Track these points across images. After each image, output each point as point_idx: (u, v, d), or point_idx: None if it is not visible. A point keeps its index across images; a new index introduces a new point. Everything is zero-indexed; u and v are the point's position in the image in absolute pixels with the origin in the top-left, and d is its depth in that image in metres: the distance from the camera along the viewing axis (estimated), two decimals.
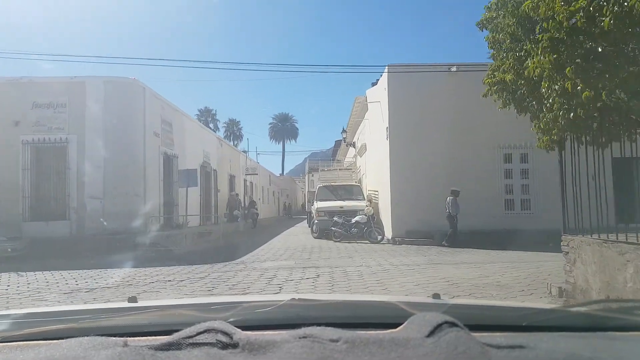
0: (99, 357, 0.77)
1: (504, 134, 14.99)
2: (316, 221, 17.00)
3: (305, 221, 27.36)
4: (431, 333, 0.84)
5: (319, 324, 0.89)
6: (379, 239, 14.87)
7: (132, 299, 1.37)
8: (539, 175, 15.05)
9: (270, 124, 71.10)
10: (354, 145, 25.79)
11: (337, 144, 37.88)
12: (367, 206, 15.90)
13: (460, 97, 15.05)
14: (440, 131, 14.89)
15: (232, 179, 26.17)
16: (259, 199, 33.85)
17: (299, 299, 1.19)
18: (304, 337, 0.82)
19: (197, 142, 20.11)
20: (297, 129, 71.25)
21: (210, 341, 0.83)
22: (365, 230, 15.01)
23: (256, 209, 26.35)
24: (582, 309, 1.18)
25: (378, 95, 16.77)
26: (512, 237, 13.63)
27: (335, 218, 15.67)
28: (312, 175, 23.06)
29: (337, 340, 0.81)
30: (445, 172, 14.79)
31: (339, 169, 21.54)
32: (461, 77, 14.92)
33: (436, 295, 1.43)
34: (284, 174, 66.59)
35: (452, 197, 13.61)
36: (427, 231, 14.24)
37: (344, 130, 25.81)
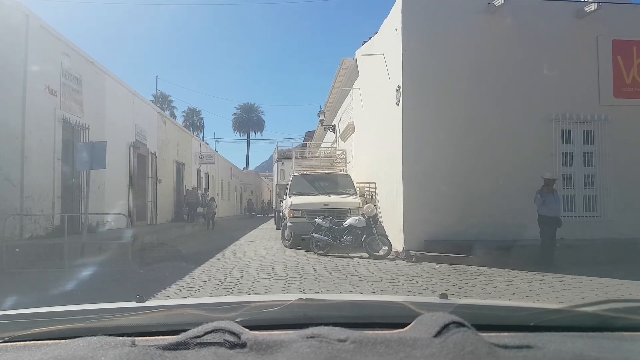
0: (106, 357, 0.76)
1: (562, 100, 10.40)
2: (289, 224, 11.97)
3: (273, 221, 22.20)
4: (438, 333, 0.84)
5: (326, 324, 0.89)
6: (383, 252, 9.99)
7: (140, 299, 1.33)
8: (609, 162, 10.54)
9: (234, 114, 65.21)
10: (333, 129, 20.81)
11: (308, 135, 32.94)
12: (366, 203, 10.92)
13: (505, 44, 10.36)
14: (476, 94, 10.14)
15: (180, 167, 20.77)
16: (217, 194, 28.49)
17: (307, 299, 1.15)
18: (311, 337, 0.82)
19: (125, 114, 14.70)
20: (264, 121, 65.76)
21: (218, 341, 0.83)
22: (365, 238, 10.09)
23: (214, 207, 21.09)
24: (590, 309, 1.14)
25: (381, 47, 11.87)
26: (575, 251, 9.08)
27: (317, 220, 10.67)
28: (283, 164, 17.93)
29: (344, 340, 0.81)
30: (484, 153, 10.05)
31: (320, 156, 16.52)
32: (508, 15, 10.24)
33: (443, 295, 1.40)
34: (249, 169, 60.96)
35: (541, 190, 8.86)
36: (457, 241, 9.46)
37: (321, 111, 20.82)
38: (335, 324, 0.89)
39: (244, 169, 52.79)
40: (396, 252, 10.10)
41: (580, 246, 9.43)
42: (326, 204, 11.83)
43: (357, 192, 13.02)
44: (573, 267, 8.22)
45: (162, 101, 58.24)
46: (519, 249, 9.04)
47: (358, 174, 14.82)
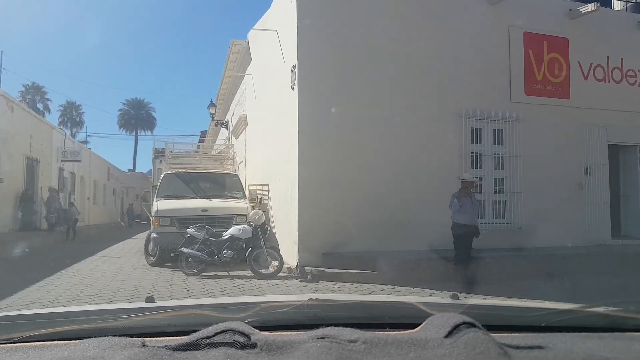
0: (116, 358, 0.76)
1: (473, 95, 9.34)
2: (154, 235, 9.47)
3: None
4: (449, 333, 0.83)
5: (336, 325, 0.88)
6: (272, 269, 8.07)
7: (150, 299, 1.31)
8: (520, 165, 9.67)
9: (120, 110, 59.23)
10: (226, 125, 18.52)
11: (204, 134, 30.08)
12: (252, 208, 8.85)
13: (415, 31, 9.03)
14: (382, 83, 8.65)
15: (33, 164, 17.08)
16: (88, 198, 24.62)
17: (317, 299, 1.16)
18: (322, 338, 0.81)
19: None
20: (155, 118, 60.64)
21: (228, 341, 0.82)
22: (250, 253, 8.05)
23: (76, 213, 17.64)
24: (600, 309, 1.13)
25: (274, 23, 9.98)
26: (487, 264, 7.99)
27: (189, 230, 8.41)
28: (161, 162, 15.29)
29: (355, 341, 0.80)
30: (391, 151, 8.58)
31: (203, 156, 14.17)
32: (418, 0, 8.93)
33: (454, 296, 1.40)
34: (138, 171, 55.58)
35: (458, 194, 7.50)
36: (361, 254, 7.84)
37: (212, 104, 18.44)
38: (345, 325, 0.88)
39: (129, 170, 47.88)
40: (289, 268, 8.22)
41: (492, 258, 8.34)
42: (204, 210, 9.58)
43: (248, 195, 10.94)
44: (486, 283, 7.04)
45: (34, 92, 51.16)
46: (432, 262, 7.67)
47: (251, 175, 12.75)
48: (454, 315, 0.90)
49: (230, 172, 12.57)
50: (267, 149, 10.85)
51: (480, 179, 9.57)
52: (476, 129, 9.56)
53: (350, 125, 8.29)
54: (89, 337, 0.87)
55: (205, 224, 8.76)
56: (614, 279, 7.42)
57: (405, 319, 1.07)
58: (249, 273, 7.99)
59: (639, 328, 1.05)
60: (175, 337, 0.92)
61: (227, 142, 16.95)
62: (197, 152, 14.55)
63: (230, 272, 8.20)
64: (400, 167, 8.60)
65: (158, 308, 1.22)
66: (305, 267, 7.80)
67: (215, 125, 19.72)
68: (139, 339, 0.85)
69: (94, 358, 0.77)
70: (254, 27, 11.29)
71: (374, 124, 8.47)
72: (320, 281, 7.51)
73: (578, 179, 9.97)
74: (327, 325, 0.87)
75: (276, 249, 8.27)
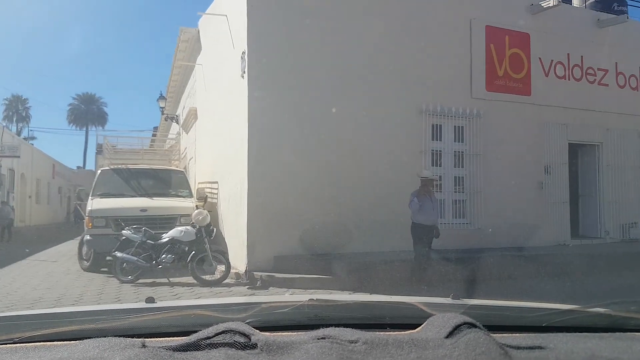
0: (117, 358, 0.76)
1: (434, 89, 8.93)
2: (87, 237, 8.54)
3: None
4: (450, 334, 0.83)
5: (337, 325, 0.88)
6: (218, 274, 7.36)
7: (150, 300, 1.31)
8: (480, 163, 9.34)
9: (70, 105, 56.32)
10: (177, 119, 17.53)
11: (157, 130, 28.73)
12: (197, 207, 8.05)
13: (375, 19, 8.51)
14: (340, 73, 8.09)
15: None
16: (30, 196, 22.98)
17: (317, 300, 1.15)
18: (322, 338, 0.81)
19: None
20: (107, 113, 57.99)
21: (229, 342, 0.82)
22: (192, 257, 7.30)
23: (10, 212, 16.23)
24: (602, 309, 1.14)
25: (225, 7, 9.22)
26: (447, 265, 7.59)
27: (125, 232, 7.57)
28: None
29: (355, 341, 0.80)
30: (348, 147, 8.03)
31: (148, 151, 13.21)
32: None
33: (455, 296, 1.39)
34: (86, 168, 52.99)
35: (418, 192, 7.04)
36: (316, 257, 7.25)
37: (161, 97, 17.40)
38: (346, 325, 0.88)
39: (79, 167, 45.55)
40: (237, 273, 7.54)
41: (451, 259, 7.94)
42: (144, 210, 8.72)
43: (196, 194, 10.13)
44: (445, 285, 6.62)
45: None
46: (392, 265, 7.17)
47: (201, 173, 11.92)
48: (455, 315, 0.90)
49: (176, 168, 11.68)
50: (217, 144, 10.08)
51: (441, 177, 9.20)
52: (437, 125, 9.16)
53: (306, 119, 7.68)
54: (89, 338, 0.87)
55: (145, 225, 7.94)
56: (573, 281, 7.18)
57: (405, 319, 1.08)
58: (192, 280, 7.24)
59: None
60: (175, 338, 0.92)
61: (178, 138, 15.99)
62: (140, 149, 13.45)
63: (170, 279, 7.42)
64: (359, 164, 8.08)
65: (158, 308, 1.22)
66: (255, 273, 7.15)
67: (165, 120, 18.64)
68: (139, 339, 0.85)
69: (94, 358, 0.77)
70: (204, 12, 10.49)
71: (331, 118, 7.90)
72: (271, 287, 6.88)
73: (538, 177, 9.75)
74: (328, 326, 0.87)
75: (223, 252, 7.56)
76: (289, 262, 7.24)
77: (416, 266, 7.07)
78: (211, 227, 7.56)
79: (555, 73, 10.01)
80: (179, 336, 0.92)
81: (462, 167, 9.43)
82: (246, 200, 7.36)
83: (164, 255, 7.41)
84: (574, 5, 11.17)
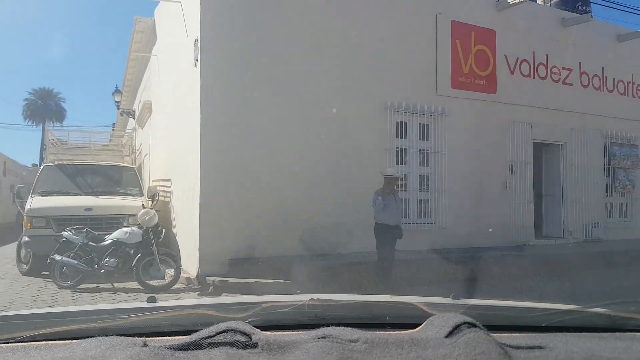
0: (118, 357, 0.76)
1: (399, 85, 8.63)
2: (26, 239, 7.77)
3: None
4: (450, 333, 0.83)
5: (337, 324, 0.89)
6: (168, 279, 6.80)
7: (151, 299, 1.31)
8: (445, 162, 9.09)
9: (25, 100, 53.61)
10: (133, 114, 16.69)
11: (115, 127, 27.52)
12: (144, 207, 7.42)
13: (340, 11, 8.13)
14: (301, 65, 7.66)
15: None
16: None
17: (318, 299, 1.15)
18: (322, 338, 0.82)
19: None
20: (65, 110, 55.57)
21: (230, 341, 0.82)
22: (138, 260, 6.70)
23: None
24: (601, 309, 1.13)
25: None
26: (412, 266, 7.31)
27: (66, 233, 6.89)
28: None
29: (356, 341, 0.80)
30: (310, 143, 7.61)
31: (99, 147, 12.40)
32: None
33: (455, 296, 1.38)
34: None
35: (382, 191, 6.65)
36: (274, 260, 6.79)
37: (117, 91, 16.53)
38: (346, 325, 0.89)
39: (34, 165, 43.41)
40: (188, 278, 7.01)
41: (415, 260, 7.66)
42: (88, 209, 8.04)
43: (147, 192, 9.47)
44: (411, 287, 6.30)
45: None
46: (355, 267, 6.81)
47: (155, 170, 11.25)
48: (455, 315, 0.90)
49: (126, 165, 10.97)
50: (170, 139, 9.48)
51: (405, 176, 8.91)
52: (402, 122, 8.86)
53: (264, 112, 7.21)
54: (91, 337, 0.87)
55: (90, 226, 7.31)
56: (538, 282, 7.00)
57: (406, 319, 1.08)
58: (134, 287, 6.66)
59: None
60: (176, 337, 0.92)
61: (135, 134, 15.19)
62: (88, 145, 12.61)
63: (114, 284, 6.82)
64: (323, 162, 7.68)
65: (159, 308, 1.22)
66: (207, 277, 6.63)
67: (121, 115, 17.73)
68: (141, 338, 0.85)
69: (96, 358, 0.78)
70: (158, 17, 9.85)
71: (291, 112, 7.47)
72: (224, 294, 6.38)
73: (503, 177, 9.61)
74: (328, 325, 0.88)
75: (172, 255, 7.00)
76: (245, 266, 6.75)
77: (380, 268, 6.73)
78: (159, 228, 6.99)
79: (520, 71, 9.89)
80: (180, 335, 0.92)
81: (427, 165, 9.18)
82: (198, 198, 6.83)
83: (107, 259, 6.79)
84: (539, 3, 11.10)
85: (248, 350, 0.80)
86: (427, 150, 9.12)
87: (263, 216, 6.97)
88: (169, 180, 9.30)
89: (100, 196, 8.59)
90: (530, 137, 9.87)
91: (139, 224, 6.99)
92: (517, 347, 0.82)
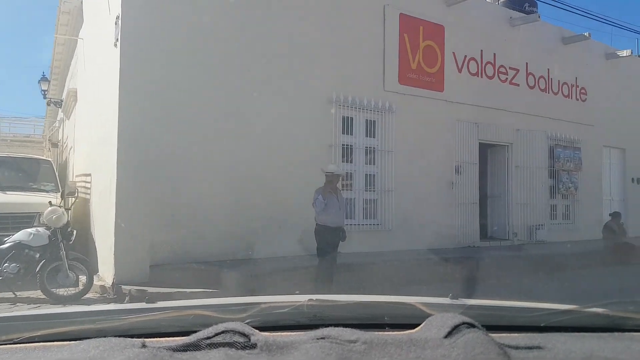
0: (117, 358, 0.77)
1: (345, 78, 8.16)
2: None
3: None
4: (449, 334, 0.83)
5: (336, 325, 0.89)
6: (81, 287, 5.96)
7: (150, 300, 1.30)
8: (392, 160, 8.71)
9: None
10: (61, 104, 15.33)
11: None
12: (51, 204, 6.45)
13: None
14: (236, 52, 7.00)
15: None
16: None
17: (317, 300, 1.16)
18: (321, 338, 0.82)
19: None
20: None
21: (228, 342, 0.83)
22: (42, 266, 5.81)
23: None
24: (600, 309, 1.14)
25: None
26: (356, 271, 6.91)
27: None
28: None
29: (355, 341, 0.81)
30: (243, 137, 6.97)
31: (16, 139, 11.21)
32: None
33: (454, 296, 1.37)
34: None
35: (323, 190, 6.10)
36: (202, 266, 6.09)
37: (44, 79, 15.12)
38: (345, 325, 0.89)
39: None
40: (103, 286, 6.18)
41: (359, 264, 7.23)
42: None
43: (66, 188, 8.45)
44: (355, 292, 5.80)
45: None
46: (294, 272, 6.27)
47: (78, 164, 10.19)
48: (454, 315, 0.91)
49: (42, 157, 9.87)
50: (91, 129, 8.53)
51: (351, 174, 8.46)
52: (348, 117, 8.39)
53: (192, 101, 6.50)
54: (89, 338, 0.87)
55: None
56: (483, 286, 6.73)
57: (405, 319, 1.09)
58: (37, 296, 5.77)
59: (639, 328, 1.05)
60: (175, 338, 0.92)
61: (61, 126, 13.90)
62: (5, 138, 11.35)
63: (17, 293, 5.89)
64: (261, 158, 7.07)
65: (158, 308, 1.21)
66: (123, 286, 5.84)
67: (48, 104, 16.27)
68: (139, 339, 0.85)
69: (94, 359, 0.78)
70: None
71: (222, 102, 6.79)
72: (144, 302, 5.61)
73: (449, 177, 9.35)
74: (327, 326, 0.88)
75: (84, 260, 6.15)
76: (169, 273, 6.03)
77: (320, 272, 6.20)
78: (70, 229, 6.12)
79: (468, 70, 9.69)
80: (179, 336, 0.92)
81: (374, 164, 8.76)
82: (114, 195, 6.02)
83: (6, 264, 5.84)
84: (488, 1, 10.98)
85: (247, 351, 0.80)
86: (374, 147, 8.71)
87: (189, 217, 6.27)
88: (89, 175, 8.36)
89: (7, 192, 7.55)
90: (477, 137, 9.68)
91: (45, 224, 6.09)
92: (516, 347, 0.83)
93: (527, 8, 10.52)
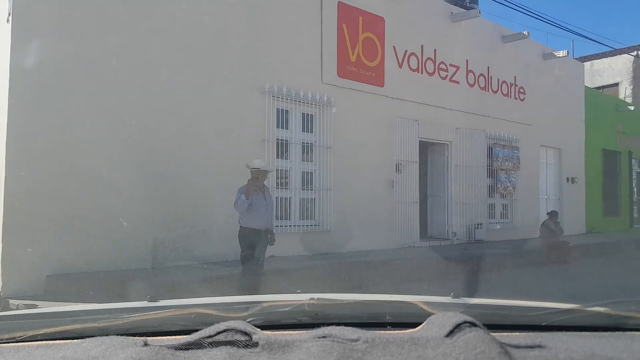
0: (118, 357, 0.77)
1: (281, 68, 7.63)
2: None
3: None
4: (450, 333, 0.83)
5: (338, 324, 0.89)
6: None
7: (152, 298, 1.30)
8: (331, 157, 8.27)
9: None
10: None
11: None
12: None
13: None
14: (152, 34, 6.29)
15: None
16: None
17: (318, 299, 1.15)
18: (323, 337, 0.82)
19: None
20: None
21: (230, 340, 0.83)
22: None
23: None
24: (602, 308, 1.13)
25: None
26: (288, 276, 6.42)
27: None
28: None
29: (356, 340, 0.81)
30: (170, 129, 6.27)
31: None
32: None
33: (455, 295, 1.38)
34: None
35: (247, 188, 5.44)
36: (111, 275, 5.36)
37: None
38: (347, 324, 0.89)
39: None
40: None
41: (291, 268, 6.71)
42: None
43: None
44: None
45: None
46: (211, 281, 5.66)
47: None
48: (455, 314, 0.91)
49: None
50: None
51: (287, 172, 7.94)
52: (283, 110, 7.85)
53: (95, 85, 5.71)
54: (92, 336, 0.88)
55: None
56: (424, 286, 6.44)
57: (406, 318, 1.09)
58: None
59: None
60: (177, 336, 0.92)
61: None
62: None
63: None
64: (184, 153, 6.39)
65: (160, 307, 1.21)
66: (11, 300, 5.01)
67: None
68: (141, 338, 0.85)
69: (96, 357, 0.78)
70: None
71: (131, 86, 6.04)
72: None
73: (390, 176, 9.03)
74: (329, 325, 0.88)
75: None
76: (68, 284, 5.25)
77: (243, 282, 5.61)
78: None
79: (409, 65, 9.40)
80: (181, 335, 0.92)
81: (312, 161, 8.28)
82: (2, 191, 5.16)
83: None
84: None
85: (249, 349, 0.80)
86: (312, 143, 8.22)
87: (97, 220, 5.51)
88: None
89: None
90: (417, 134, 9.43)
91: None
92: (517, 347, 0.82)
93: (468, 4, 10.40)
